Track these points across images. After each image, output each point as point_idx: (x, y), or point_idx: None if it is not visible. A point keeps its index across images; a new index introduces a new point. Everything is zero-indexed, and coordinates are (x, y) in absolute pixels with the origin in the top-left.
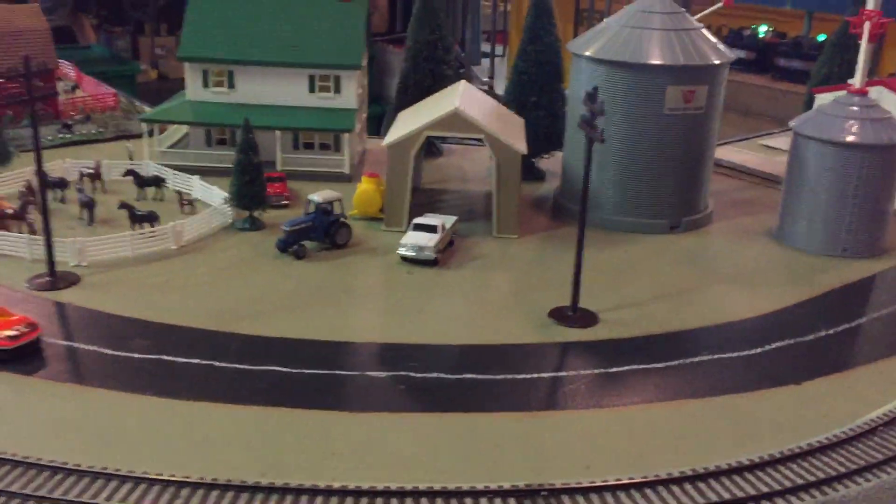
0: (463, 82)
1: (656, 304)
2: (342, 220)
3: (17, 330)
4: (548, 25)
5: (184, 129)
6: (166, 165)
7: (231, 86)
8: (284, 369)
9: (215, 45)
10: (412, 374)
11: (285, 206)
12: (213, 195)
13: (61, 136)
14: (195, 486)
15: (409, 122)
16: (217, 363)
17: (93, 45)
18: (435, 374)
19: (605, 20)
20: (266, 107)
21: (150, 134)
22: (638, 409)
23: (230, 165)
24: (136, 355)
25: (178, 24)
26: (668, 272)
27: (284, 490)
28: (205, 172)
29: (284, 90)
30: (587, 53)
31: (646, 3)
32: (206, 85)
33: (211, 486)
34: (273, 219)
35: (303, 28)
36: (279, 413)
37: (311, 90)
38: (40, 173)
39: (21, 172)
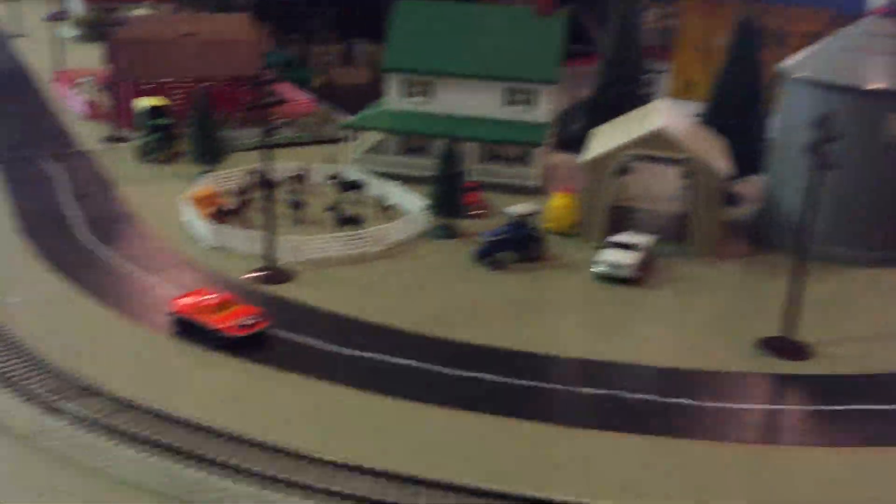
0: (663, 100)
1: (876, 342)
2: (537, 233)
3: (248, 320)
4: (753, 46)
5: (378, 135)
6: (363, 169)
7: (429, 96)
8: (499, 378)
9: (417, 58)
10: (620, 392)
11: (478, 216)
12: (412, 202)
13: (263, 139)
14: (429, 484)
15: (606, 139)
16: (431, 366)
17: (269, 51)
18: (642, 395)
19: (821, 41)
20: (461, 118)
21: (346, 140)
22: (864, 452)
23: (422, 173)
24: (358, 353)
25: (346, 33)
26: (887, 308)
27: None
28: (398, 178)
29: (480, 102)
30: (803, 76)
31: (868, 25)
32: (405, 95)
33: (447, 488)
34: (468, 228)
35: (501, 42)
36: (495, 421)
37: (506, 103)
38: (267, 174)
39: (233, 171)
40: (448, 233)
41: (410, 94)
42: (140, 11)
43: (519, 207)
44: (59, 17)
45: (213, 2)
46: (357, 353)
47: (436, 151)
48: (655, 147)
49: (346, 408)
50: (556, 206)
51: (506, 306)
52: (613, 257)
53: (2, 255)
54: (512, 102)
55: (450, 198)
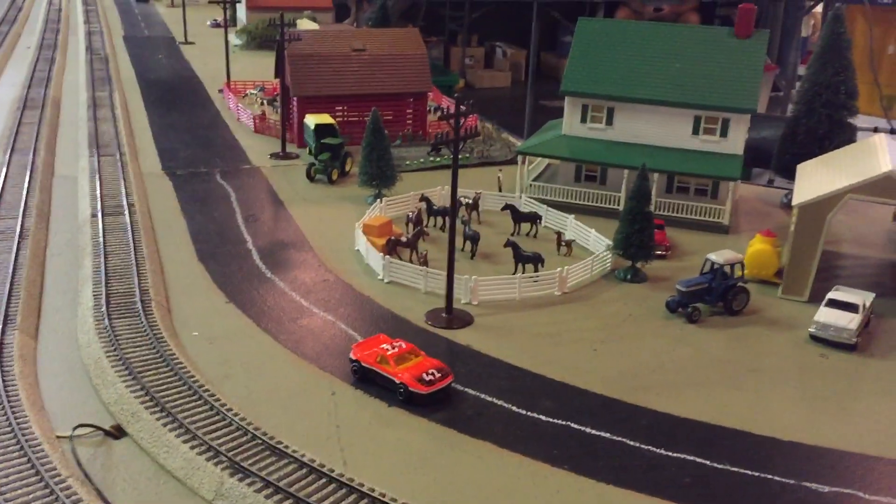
0: (880, 136)
1: None
2: (742, 284)
3: (432, 375)
4: None
5: (545, 160)
6: (532, 198)
7: (609, 123)
8: (705, 461)
9: (598, 81)
10: (856, 491)
11: (664, 257)
12: (590, 239)
13: (431, 159)
14: None
15: (820, 178)
16: (630, 441)
17: None
18: (883, 497)
19: None
20: (643, 146)
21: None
22: None
23: (598, 204)
24: (544, 418)
25: (487, 35)
26: None
27: None
28: (570, 208)
29: (665, 130)
30: None
31: None
32: (583, 120)
33: None
34: (654, 271)
35: (693, 66)
36: None
37: (695, 132)
38: (453, 204)
39: (406, 197)
40: (636, 276)
41: (589, 120)
42: (303, 21)
43: (720, 255)
44: (223, 24)
45: (370, 10)
46: (546, 418)
47: (627, 185)
48: (883, 192)
49: (541, 488)
50: (758, 251)
51: (706, 368)
52: (833, 319)
53: (186, 283)
54: (704, 131)
55: (640, 238)
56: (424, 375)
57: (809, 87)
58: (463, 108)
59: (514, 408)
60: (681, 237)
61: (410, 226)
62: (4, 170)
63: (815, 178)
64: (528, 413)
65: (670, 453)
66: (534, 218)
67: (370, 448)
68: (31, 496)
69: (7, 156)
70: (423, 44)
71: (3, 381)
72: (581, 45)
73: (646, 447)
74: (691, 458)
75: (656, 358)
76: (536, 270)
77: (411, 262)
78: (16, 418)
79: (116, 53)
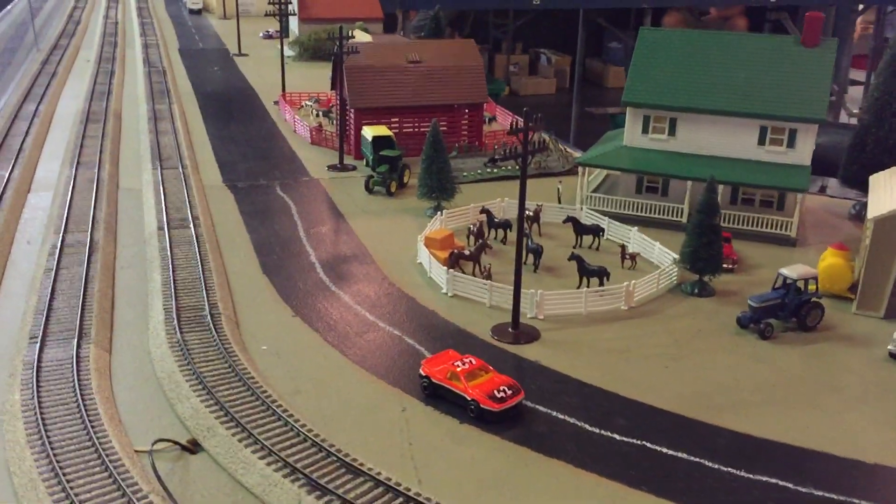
0: None
1: None
2: (816, 300)
3: (503, 392)
4: None
5: (604, 171)
6: (592, 209)
7: (671, 133)
8: (789, 485)
9: (660, 91)
10: None
11: (731, 270)
12: (655, 252)
13: (487, 170)
14: None
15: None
16: (708, 462)
17: None
18: None
19: None
20: (706, 157)
21: (570, 174)
22: None
23: (661, 216)
24: (617, 437)
25: (532, 42)
26: None
27: None
28: (631, 220)
29: (729, 141)
30: None
31: None
32: (645, 131)
33: None
34: (722, 285)
35: (759, 75)
36: None
37: (761, 143)
38: (520, 217)
39: (465, 209)
40: (704, 290)
41: (651, 130)
42: (358, 33)
43: (794, 269)
44: (274, 35)
45: (416, 19)
46: (619, 437)
47: (691, 196)
48: None
49: None
50: (830, 265)
51: (782, 387)
52: None
53: (253, 295)
54: (770, 142)
55: (708, 251)
56: (496, 392)
57: (879, 95)
58: (532, 122)
59: (586, 426)
60: (747, 250)
61: (472, 238)
62: (72, 183)
63: (891, 190)
64: (602, 431)
65: (751, 476)
66: (596, 230)
67: (444, 466)
68: None
69: (73, 169)
70: (479, 55)
71: (82, 394)
72: (642, 55)
73: (725, 469)
74: (774, 480)
75: (730, 375)
76: (602, 284)
77: (475, 275)
78: (95, 432)
79: (173, 66)
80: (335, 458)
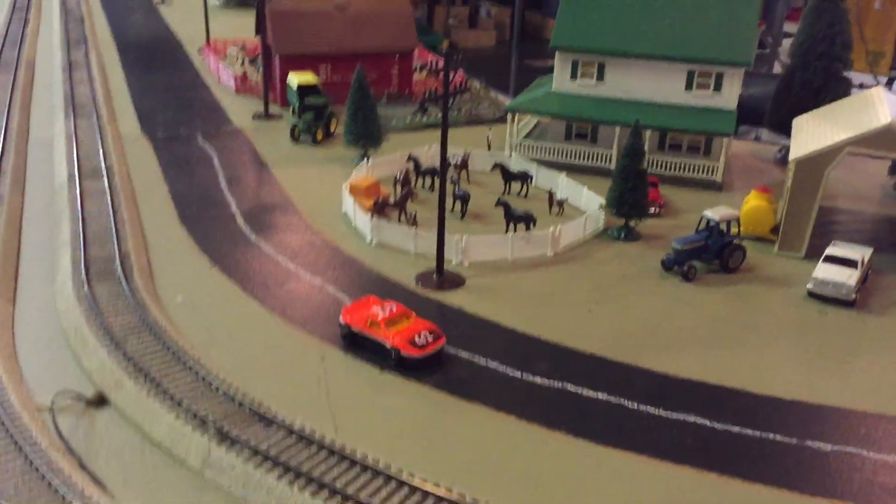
0: (878, 88)
1: None
2: (738, 242)
3: (424, 338)
4: None
5: (535, 118)
6: (522, 156)
7: (600, 78)
8: (705, 422)
9: (589, 36)
10: (864, 452)
11: (657, 215)
12: (583, 198)
13: (417, 118)
14: None
15: (817, 132)
16: (628, 403)
17: None
18: (883, 455)
19: None
20: (634, 102)
21: (502, 122)
22: None
23: (589, 163)
24: (539, 380)
25: None
26: None
27: None
28: (560, 167)
29: (657, 86)
30: None
31: None
32: (573, 76)
33: None
34: (648, 229)
35: (686, 19)
36: (710, 480)
37: (688, 87)
38: (443, 163)
39: (392, 157)
40: (630, 235)
41: (580, 76)
42: None
43: (716, 211)
44: None
45: None
46: (541, 380)
47: (619, 142)
48: (881, 146)
49: (539, 453)
50: (753, 207)
51: (704, 328)
52: (831, 275)
53: (169, 247)
54: (697, 86)
55: (634, 195)
56: (416, 338)
57: (804, 39)
58: (453, 63)
59: (508, 370)
60: (674, 195)
61: (398, 186)
62: None
63: (812, 132)
64: (523, 376)
65: (670, 414)
66: (524, 177)
67: (362, 415)
68: (10, 469)
69: None
70: (409, 0)
71: None
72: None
73: (644, 408)
74: (692, 419)
75: (653, 318)
76: (528, 230)
77: (400, 223)
78: None
79: (92, 14)
80: (247, 409)
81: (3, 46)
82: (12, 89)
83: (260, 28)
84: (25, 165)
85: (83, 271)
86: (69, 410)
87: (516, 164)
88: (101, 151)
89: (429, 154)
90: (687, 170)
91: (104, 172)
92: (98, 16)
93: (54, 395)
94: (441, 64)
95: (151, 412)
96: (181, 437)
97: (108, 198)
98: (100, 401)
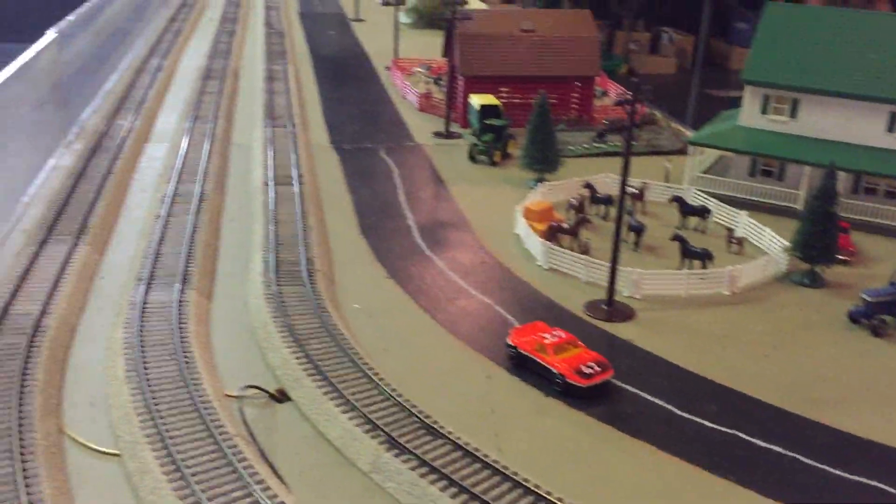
0: None
1: None
2: None
3: (591, 368)
4: None
5: (718, 152)
6: (702, 191)
7: (793, 115)
8: (890, 489)
9: (784, 70)
10: None
11: (846, 263)
12: (764, 237)
13: (595, 145)
14: None
15: None
16: (803, 458)
17: None
18: None
19: None
20: (828, 142)
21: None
22: None
23: (776, 202)
24: (708, 423)
25: (654, 20)
26: None
27: None
28: (741, 204)
29: (855, 126)
30: None
31: None
32: (763, 111)
33: None
34: (835, 277)
35: (891, 58)
36: None
37: (890, 130)
38: (622, 192)
39: (568, 182)
40: (815, 281)
41: (771, 111)
42: (473, 1)
43: None
44: (393, 2)
45: None
46: (709, 423)
47: (808, 182)
48: None
49: (702, 498)
50: None
51: (892, 387)
52: None
53: (349, 255)
54: None
55: (823, 239)
56: (583, 368)
57: None
58: (639, 94)
59: (676, 409)
60: (866, 242)
61: (572, 212)
62: (188, 136)
63: None
64: (691, 416)
65: (849, 476)
66: (703, 212)
67: (525, 436)
68: (200, 451)
69: (190, 122)
70: (595, 27)
71: (181, 337)
72: (768, 32)
73: (822, 466)
74: (873, 483)
75: (835, 371)
76: (704, 267)
77: (572, 249)
78: (189, 374)
79: (292, 28)
80: (416, 419)
81: (213, 57)
82: (219, 96)
83: (447, 49)
84: (227, 168)
85: (273, 272)
86: (254, 402)
87: (695, 198)
88: (293, 159)
89: (605, 182)
90: (883, 217)
91: (295, 179)
92: (297, 30)
93: (242, 387)
94: (624, 93)
95: (327, 412)
96: (353, 440)
97: (298, 204)
98: (281, 396)
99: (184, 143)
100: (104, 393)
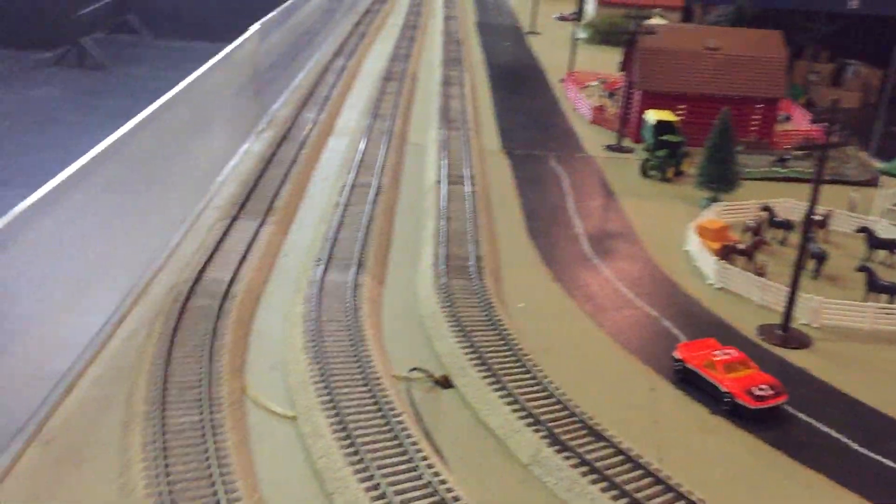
0: None
1: None
2: None
3: (763, 390)
4: None
5: None
6: (894, 224)
7: None
8: None
9: None
10: None
11: None
12: None
13: (775, 168)
14: None
15: None
16: None
17: None
18: None
19: None
20: None
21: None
22: None
23: None
24: (890, 463)
25: (839, 50)
26: None
27: None
28: None
29: None
30: None
31: None
32: None
33: None
34: None
35: None
36: None
37: None
38: (808, 216)
39: (744, 204)
40: None
41: None
42: (655, 19)
43: None
44: (569, 18)
45: (716, 13)
46: (893, 463)
47: None
48: None
49: None
50: None
51: None
52: None
53: (516, 256)
54: None
55: None
56: (755, 389)
57: None
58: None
59: (853, 444)
60: None
61: (749, 234)
62: (367, 132)
63: None
64: (870, 453)
65: None
66: (892, 245)
67: (688, 451)
68: (369, 422)
69: (371, 120)
70: (784, 48)
71: (355, 315)
72: None
73: None
74: None
75: None
76: (892, 302)
77: (747, 270)
78: (361, 350)
79: (469, 37)
80: (578, 419)
81: (393, 60)
82: (398, 97)
83: (625, 63)
84: (402, 165)
85: (442, 265)
86: (419, 385)
87: (886, 230)
88: (465, 161)
89: (785, 207)
90: None
91: (467, 179)
92: (474, 40)
93: (409, 369)
94: (819, 114)
95: (489, 402)
96: (514, 432)
97: (469, 203)
98: (446, 382)
99: (363, 139)
100: (283, 359)
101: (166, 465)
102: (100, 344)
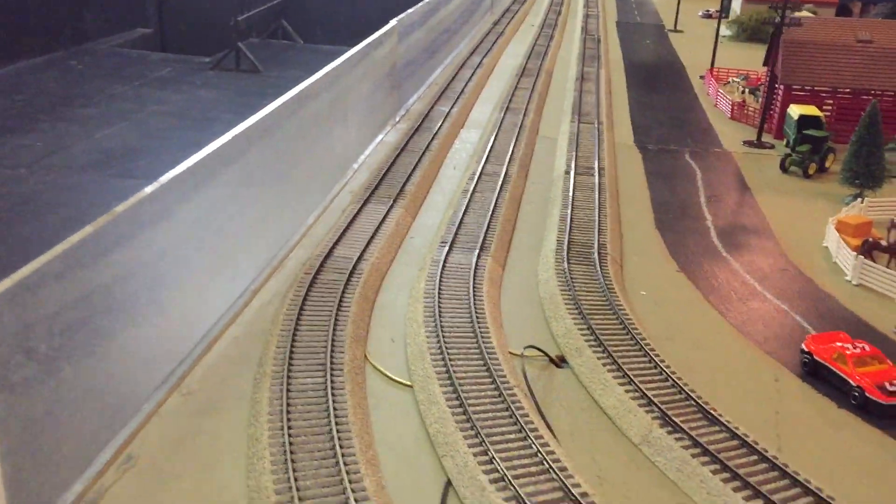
0: None
1: None
2: None
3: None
4: None
5: None
6: None
7: None
8: None
9: None
10: None
11: None
12: None
13: None
14: None
15: None
16: None
17: None
18: None
19: None
20: None
21: None
22: None
23: None
24: None
25: None
26: None
27: None
28: None
29: None
30: None
31: None
32: None
33: None
34: None
35: None
36: None
37: None
38: None
39: (892, 201)
40: None
41: None
42: (804, 14)
43: None
44: (713, 15)
45: (875, 11)
46: None
47: None
48: None
49: None
50: None
51: None
52: None
53: (641, 245)
54: None
55: None
56: (888, 385)
57: None
58: None
59: None
60: None
61: (893, 232)
62: (499, 125)
63: None
64: None
65: None
66: None
67: (810, 443)
68: (482, 394)
69: (502, 113)
70: None
71: (474, 294)
72: None
73: None
74: None
75: None
76: None
77: (888, 268)
78: (479, 326)
79: (608, 36)
80: (693, 403)
81: (529, 57)
82: (531, 92)
83: (769, 58)
84: (531, 157)
85: (565, 250)
86: (534, 363)
87: None
88: (596, 153)
89: None
90: None
91: (596, 171)
92: (613, 38)
93: (525, 347)
94: None
95: (603, 382)
96: (627, 411)
97: (596, 193)
98: (560, 361)
99: (495, 131)
100: (403, 332)
101: (289, 420)
102: (239, 308)
